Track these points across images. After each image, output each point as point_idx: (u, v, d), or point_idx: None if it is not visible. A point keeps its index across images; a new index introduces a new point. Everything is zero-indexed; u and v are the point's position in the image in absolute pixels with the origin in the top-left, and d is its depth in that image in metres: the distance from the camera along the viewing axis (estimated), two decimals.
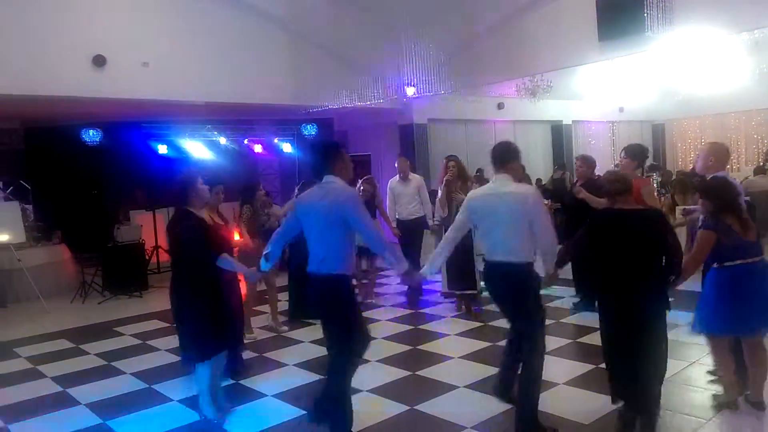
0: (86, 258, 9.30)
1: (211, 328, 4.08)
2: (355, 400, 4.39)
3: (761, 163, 13.20)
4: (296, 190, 7.13)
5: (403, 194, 7.86)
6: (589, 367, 4.98)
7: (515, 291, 3.74)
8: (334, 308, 3.67)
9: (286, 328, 6.65)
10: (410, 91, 10.07)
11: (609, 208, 3.76)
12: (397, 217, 7.92)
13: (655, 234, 3.55)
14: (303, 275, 3.92)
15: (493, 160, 3.88)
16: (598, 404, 4.16)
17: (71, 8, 8.04)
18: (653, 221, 3.62)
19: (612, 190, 3.69)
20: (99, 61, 8.18)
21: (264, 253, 3.95)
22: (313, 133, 11.96)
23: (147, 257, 9.96)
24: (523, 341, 3.81)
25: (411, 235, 7.70)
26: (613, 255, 3.58)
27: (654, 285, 3.57)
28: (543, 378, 3.83)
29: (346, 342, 3.67)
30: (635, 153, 5.85)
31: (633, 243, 3.54)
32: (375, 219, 7.35)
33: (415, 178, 7.98)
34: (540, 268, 3.84)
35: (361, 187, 7.49)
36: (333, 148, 3.82)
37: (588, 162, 6.88)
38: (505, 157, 3.84)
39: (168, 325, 7.20)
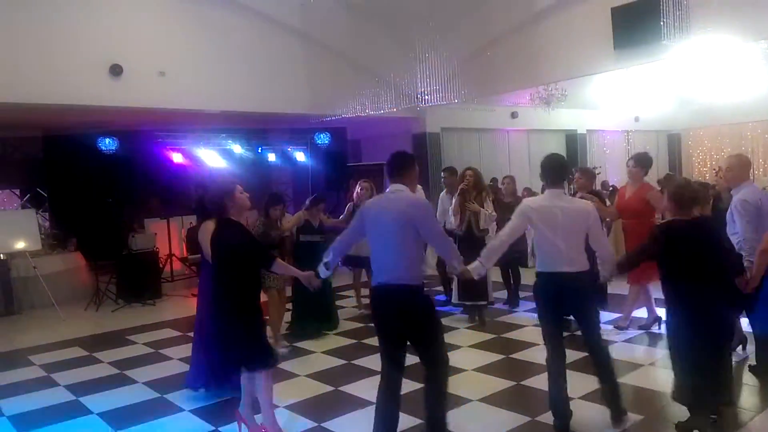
0: (101, 266, 9.36)
1: (265, 337, 4.08)
2: (366, 413, 4.37)
3: None
4: (307, 202, 7.11)
5: None
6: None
7: (581, 297, 3.90)
8: (415, 320, 3.61)
9: (285, 349, 6.27)
10: (424, 99, 10.05)
11: (679, 218, 3.81)
12: None
13: (720, 240, 3.88)
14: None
15: (548, 174, 4.00)
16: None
17: (88, 18, 8.13)
18: (715, 228, 3.96)
19: (685, 200, 3.78)
20: (116, 70, 8.25)
21: (324, 260, 3.91)
22: (326, 142, 11.98)
23: (161, 265, 10.01)
24: (595, 351, 3.96)
25: None
26: (690, 263, 3.68)
27: (724, 287, 3.81)
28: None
29: (438, 354, 3.66)
30: (644, 161, 6.22)
31: (707, 250, 3.70)
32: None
33: (416, 190, 7.87)
34: None
35: (360, 190, 7.28)
36: (407, 157, 3.84)
37: (587, 174, 6.99)
38: (563, 174, 4.07)
39: (180, 333, 7.23)
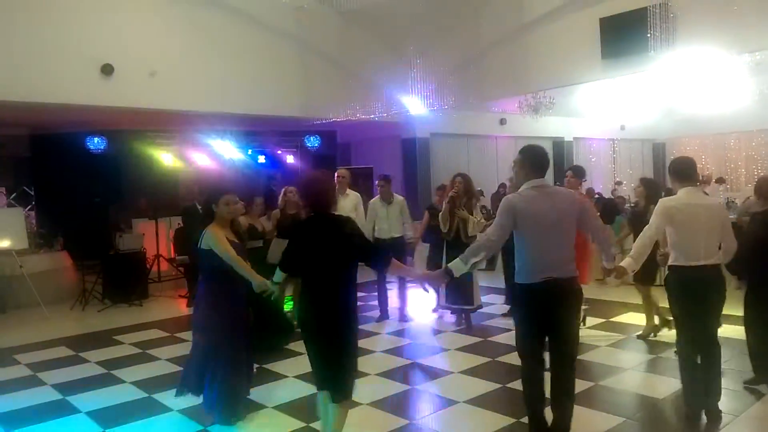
0: (87, 265, 9.31)
1: None
2: (356, 413, 4.41)
3: None
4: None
5: (341, 208, 7.12)
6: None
7: (720, 290, 4.15)
8: (577, 311, 3.72)
9: None
10: (414, 105, 10.14)
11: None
12: None
13: None
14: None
15: (681, 174, 4.25)
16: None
17: (80, 17, 8.14)
18: None
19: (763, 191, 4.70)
20: (107, 69, 8.26)
21: (474, 260, 3.66)
22: (316, 144, 12.04)
23: (148, 266, 9.97)
24: (714, 340, 4.18)
25: None
26: None
27: None
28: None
29: (576, 343, 3.77)
30: (580, 172, 6.82)
31: None
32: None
33: (353, 194, 7.60)
34: None
35: (283, 196, 6.98)
36: (546, 154, 3.87)
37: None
38: (694, 172, 4.32)
39: (168, 334, 7.23)
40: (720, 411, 4.16)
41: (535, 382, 3.69)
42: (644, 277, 5.95)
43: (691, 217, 4.07)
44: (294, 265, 3.71)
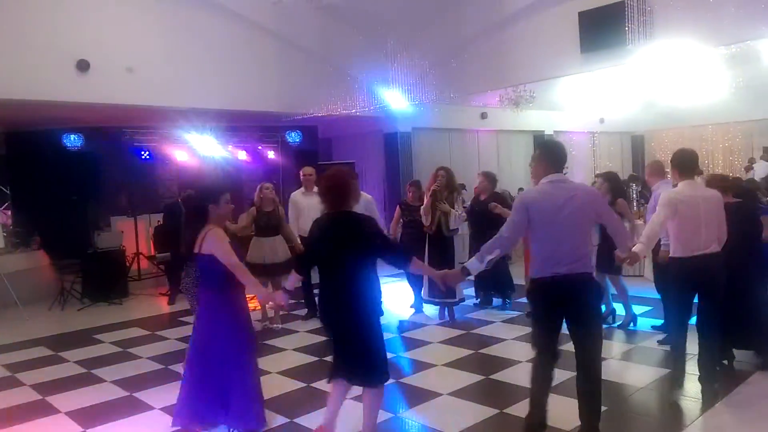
0: (65, 264, 9.17)
1: None
2: (342, 407, 4.40)
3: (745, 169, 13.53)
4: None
5: (308, 207, 6.79)
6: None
7: (719, 275, 4.30)
8: (596, 306, 3.68)
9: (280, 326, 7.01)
10: (395, 99, 10.12)
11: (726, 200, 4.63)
12: (299, 233, 6.94)
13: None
14: None
15: (683, 166, 4.38)
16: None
17: (56, 12, 7.97)
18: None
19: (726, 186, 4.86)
20: (83, 65, 8.12)
21: (489, 258, 3.68)
22: (297, 140, 11.96)
23: (128, 264, 9.86)
24: (715, 326, 4.37)
25: None
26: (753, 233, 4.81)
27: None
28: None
29: (601, 342, 3.70)
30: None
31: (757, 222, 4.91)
32: (276, 235, 6.86)
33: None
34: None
35: (260, 193, 6.91)
36: (565, 148, 3.86)
37: (489, 177, 7.24)
38: (696, 165, 4.50)
39: (149, 332, 7.16)
40: (717, 389, 4.38)
41: (542, 373, 3.69)
42: (613, 266, 5.85)
43: (693, 208, 4.22)
44: (313, 265, 3.85)
